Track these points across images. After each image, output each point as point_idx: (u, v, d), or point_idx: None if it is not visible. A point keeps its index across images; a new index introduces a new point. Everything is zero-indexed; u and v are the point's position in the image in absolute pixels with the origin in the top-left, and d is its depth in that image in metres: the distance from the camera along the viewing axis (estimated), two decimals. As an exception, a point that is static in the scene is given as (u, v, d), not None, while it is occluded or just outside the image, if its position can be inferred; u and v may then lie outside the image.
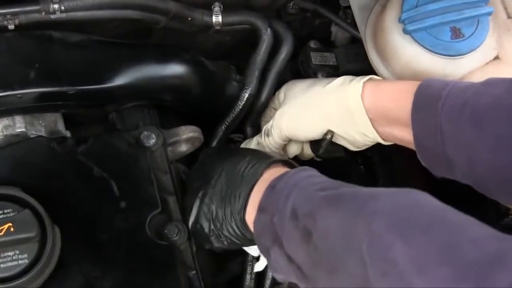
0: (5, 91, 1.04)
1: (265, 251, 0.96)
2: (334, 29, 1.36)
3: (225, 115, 1.20)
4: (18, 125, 1.08)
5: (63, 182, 1.04)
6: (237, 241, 1.03)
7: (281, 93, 1.20)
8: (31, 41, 1.08)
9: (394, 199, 0.81)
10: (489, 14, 1.08)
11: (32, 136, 1.08)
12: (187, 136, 1.17)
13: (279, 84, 1.23)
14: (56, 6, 1.05)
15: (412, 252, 0.72)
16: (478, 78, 1.07)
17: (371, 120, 1.03)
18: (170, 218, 1.06)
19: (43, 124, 1.10)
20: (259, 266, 1.12)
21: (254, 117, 1.23)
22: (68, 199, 1.03)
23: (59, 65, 1.08)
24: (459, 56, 1.07)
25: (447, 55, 1.07)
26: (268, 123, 1.16)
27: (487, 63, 1.08)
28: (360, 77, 1.07)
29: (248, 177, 1.02)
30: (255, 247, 0.99)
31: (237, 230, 1.01)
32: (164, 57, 1.15)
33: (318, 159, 1.20)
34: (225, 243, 1.03)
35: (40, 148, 1.06)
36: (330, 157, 1.35)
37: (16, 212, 0.95)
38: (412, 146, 0.99)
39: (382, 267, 0.74)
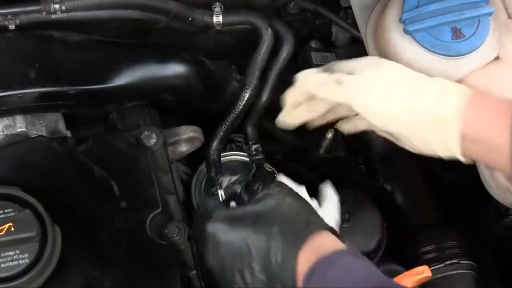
0: (5, 91, 1.04)
1: None
2: (334, 29, 1.36)
3: (225, 115, 1.20)
4: (19, 124, 1.08)
5: (64, 182, 1.04)
6: None
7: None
8: (31, 41, 1.08)
9: None
10: (490, 14, 1.08)
11: (32, 136, 1.08)
12: (187, 136, 1.18)
13: (279, 84, 1.23)
14: (56, 6, 1.05)
15: None
16: (479, 78, 1.07)
17: (461, 134, 0.95)
18: (170, 218, 1.06)
19: (43, 123, 1.11)
20: None
21: (255, 117, 1.23)
22: (69, 199, 1.03)
23: (60, 65, 1.08)
24: (460, 56, 1.07)
25: (447, 55, 1.07)
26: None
27: (488, 63, 1.08)
28: (456, 85, 0.98)
29: (286, 264, 0.91)
30: None
31: None
32: (165, 57, 1.15)
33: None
34: None
35: (40, 148, 1.06)
36: (330, 157, 1.36)
37: (16, 212, 0.95)
38: (503, 169, 0.94)
39: None
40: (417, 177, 1.31)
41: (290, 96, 1.09)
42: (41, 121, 1.10)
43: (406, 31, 1.07)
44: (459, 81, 1.08)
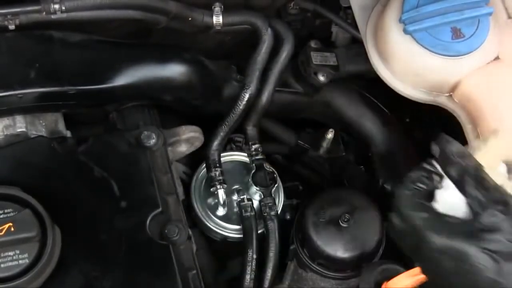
0: (5, 91, 1.04)
1: None
2: (334, 29, 1.36)
3: (225, 115, 1.20)
4: (19, 125, 1.08)
5: (64, 182, 1.04)
6: None
7: None
8: (31, 41, 1.08)
9: None
10: (490, 14, 1.08)
11: (32, 136, 1.08)
12: (187, 136, 1.18)
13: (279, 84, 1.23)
14: (56, 6, 1.05)
15: None
16: (479, 78, 1.07)
17: None
18: (170, 218, 1.06)
19: (43, 124, 1.11)
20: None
21: (255, 117, 1.23)
22: (69, 199, 1.03)
23: (60, 65, 1.08)
24: (460, 56, 1.07)
25: (447, 55, 1.07)
26: None
27: (487, 63, 1.08)
28: None
29: None
30: None
31: None
32: (164, 57, 1.15)
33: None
34: None
35: (40, 148, 1.06)
36: (330, 156, 1.36)
37: (16, 212, 0.95)
38: None
39: None
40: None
41: None
42: (41, 121, 1.10)
43: (406, 31, 1.07)
44: (459, 81, 1.08)
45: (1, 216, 0.94)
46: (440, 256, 0.85)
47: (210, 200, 1.21)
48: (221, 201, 1.18)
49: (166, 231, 1.04)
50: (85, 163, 1.06)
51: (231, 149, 1.28)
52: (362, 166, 1.36)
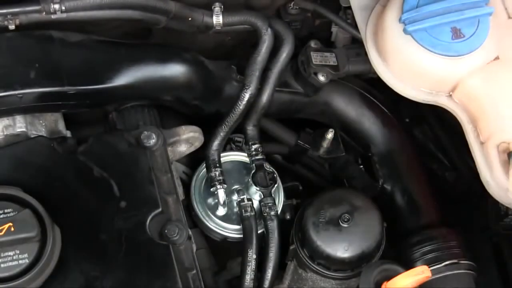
0: (5, 91, 1.04)
1: None
2: (334, 29, 1.36)
3: (225, 115, 1.20)
4: (19, 125, 1.08)
5: (64, 182, 1.04)
6: None
7: None
8: (31, 41, 1.08)
9: None
10: (490, 14, 1.08)
11: (32, 136, 1.08)
12: (187, 136, 1.18)
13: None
14: (56, 6, 1.06)
15: None
16: (479, 78, 1.07)
17: None
18: (170, 218, 1.06)
19: (43, 124, 1.11)
20: None
21: (255, 117, 1.23)
22: (68, 199, 1.03)
23: (60, 65, 1.08)
24: (460, 56, 1.07)
25: (447, 55, 1.07)
26: None
27: (487, 63, 1.08)
28: None
29: None
30: None
31: None
32: (164, 57, 1.15)
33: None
34: None
35: (40, 148, 1.06)
36: (330, 157, 1.36)
37: (16, 212, 0.95)
38: None
39: None
40: (417, 177, 1.31)
41: None
42: (41, 121, 1.11)
43: (406, 31, 1.07)
44: (459, 81, 1.08)
45: (1, 216, 0.94)
46: None
47: (210, 200, 1.21)
48: (221, 201, 1.18)
49: (166, 231, 1.04)
50: (85, 163, 1.06)
51: (231, 149, 1.28)
52: (362, 166, 1.36)
